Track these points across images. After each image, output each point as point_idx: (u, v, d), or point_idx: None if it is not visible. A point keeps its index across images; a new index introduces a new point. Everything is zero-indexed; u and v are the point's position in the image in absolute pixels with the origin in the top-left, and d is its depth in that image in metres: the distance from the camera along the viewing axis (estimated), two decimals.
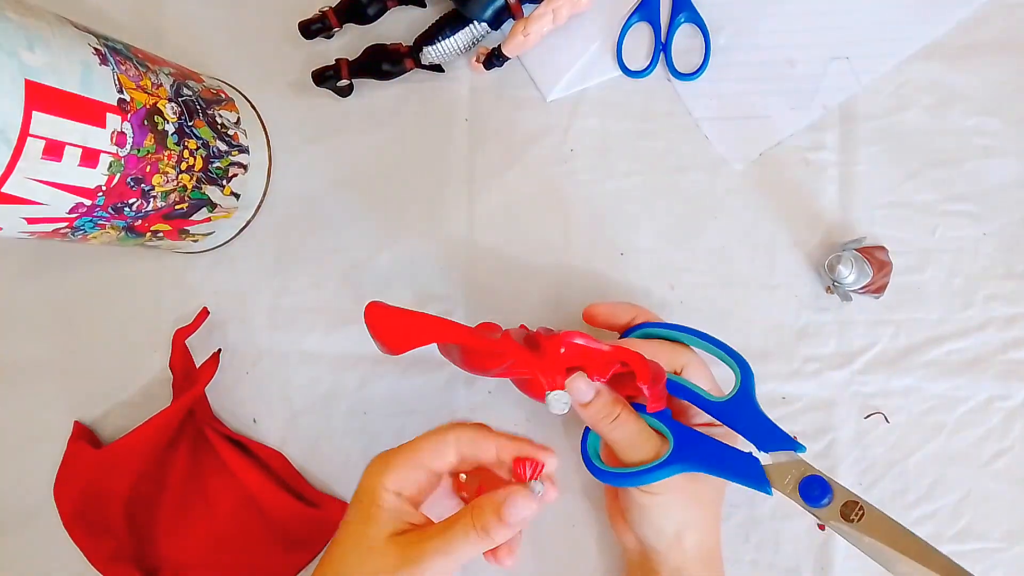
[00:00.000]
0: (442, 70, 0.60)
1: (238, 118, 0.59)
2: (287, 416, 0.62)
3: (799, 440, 0.55)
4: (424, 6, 0.60)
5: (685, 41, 0.58)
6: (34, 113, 0.42)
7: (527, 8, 0.57)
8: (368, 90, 0.62)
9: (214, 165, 0.56)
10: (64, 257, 0.66)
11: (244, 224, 0.63)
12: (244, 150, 0.59)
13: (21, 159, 0.42)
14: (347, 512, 0.44)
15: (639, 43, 0.59)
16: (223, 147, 0.56)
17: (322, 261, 0.62)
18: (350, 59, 0.60)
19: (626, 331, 0.53)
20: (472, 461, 0.45)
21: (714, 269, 0.57)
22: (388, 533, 0.42)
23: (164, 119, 0.51)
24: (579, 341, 0.44)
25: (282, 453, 0.61)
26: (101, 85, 0.46)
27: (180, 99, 0.53)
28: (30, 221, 0.46)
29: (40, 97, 0.42)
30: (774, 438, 0.47)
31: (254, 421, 0.63)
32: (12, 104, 0.41)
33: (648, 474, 0.47)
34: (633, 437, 0.47)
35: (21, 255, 0.67)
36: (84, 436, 0.63)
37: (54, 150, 0.43)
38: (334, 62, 0.60)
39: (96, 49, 0.47)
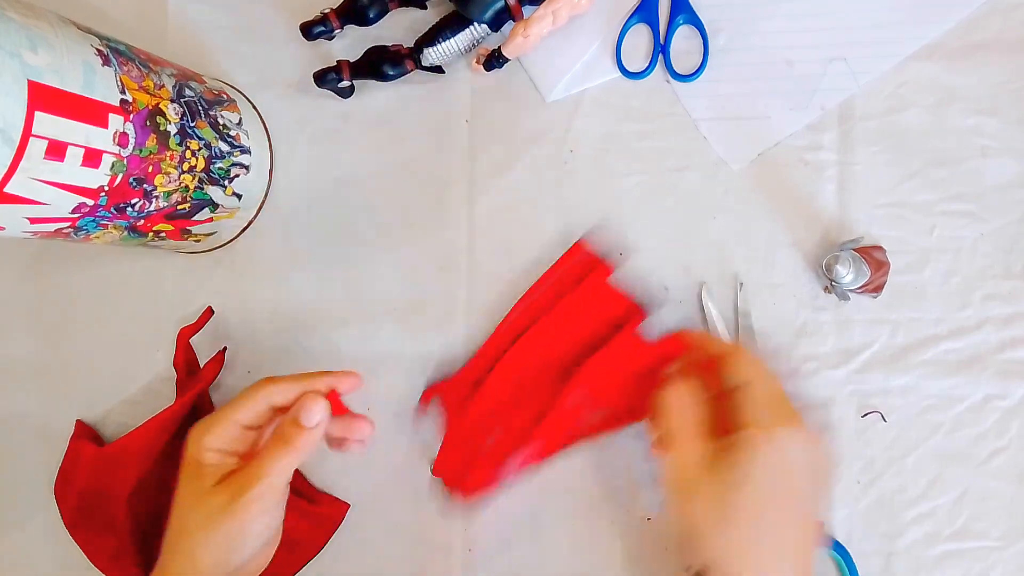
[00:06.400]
0: (443, 71, 0.60)
1: (240, 119, 0.60)
2: None
3: None
4: (425, 8, 0.61)
5: (684, 42, 0.58)
6: (37, 113, 0.42)
7: (527, 10, 0.58)
8: (369, 91, 0.62)
9: (216, 165, 0.56)
10: (67, 257, 0.66)
11: (246, 224, 0.63)
12: (246, 151, 0.59)
13: (24, 159, 0.42)
14: (179, 479, 0.48)
15: (638, 44, 0.59)
16: (225, 148, 0.57)
17: (323, 261, 0.62)
18: (351, 60, 0.60)
19: None
20: (288, 406, 0.48)
21: (713, 269, 0.57)
22: (211, 484, 0.46)
23: (166, 120, 0.51)
24: None
25: None
26: (103, 86, 0.46)
27: (182, 100, 0.53)
28: (33, 221, 0.46)
29: (43, 97, 0.42)
30: None
31: None
32: (15, 104, 0.41)
33: None
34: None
35: (24, 255, 0.67)
36: (86, 435, 0.63)
37: (57, 150, 0.43)
38: (335, 63, 0.60)
39: (98, 50, 0.47)
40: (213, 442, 0.47)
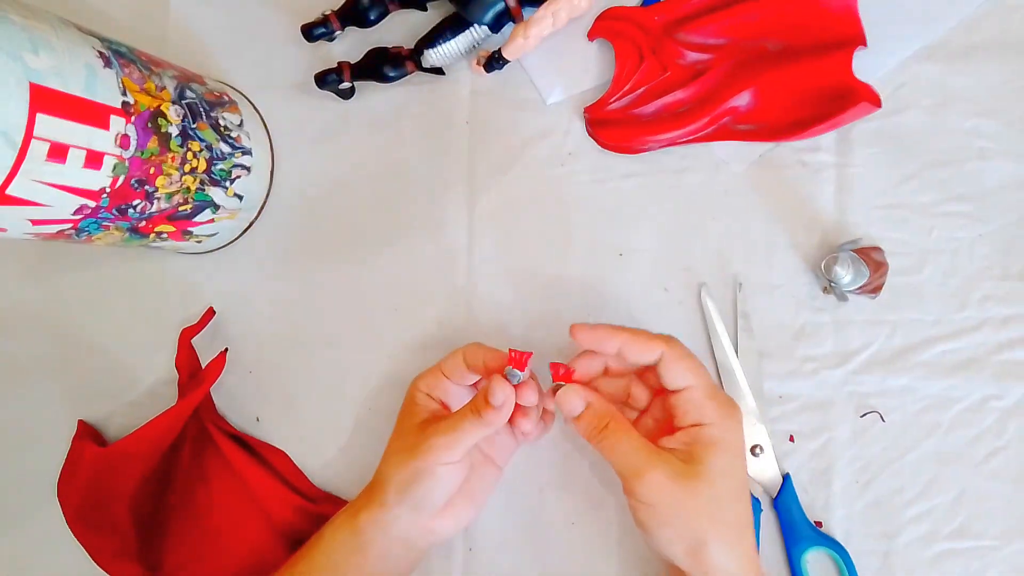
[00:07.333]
0: (443, 73, 0.61)
1: (241, 120, 0.60)
2: (289, 415, 0.63)
3: (795, 439, 0.56)
4: (425, 9, 0.61)
5: None
6: (38, 116, 0.42)
7: (527, 12, 0.58)
8: (369, 92, 0.62)
9: (217, 167, 0.56)
10: (69, 258, 0.66)
11: (247, 225, 0.63)
12: (247, 152, 0.59)
13: (26, 161, 0.42)
14: (399, 414, 0.55)
15: None
16: (226, 149, 0.57)
17: (324, 261, 0.63)
18: (352, 62, 0.60)
19: None
20: (480, 369, 0.53)
21: (712, 270, 0.58)
22: (418, 422, 0.53)
23: (167, 121, 0.51)
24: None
25: (284, 451, 0.62)
26: (105, 88, 0.46)
27: (183, 101, 0.53)
28: (35, 222, 0.46)
29: (44, 100, 0.42)
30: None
31: (257, 420, 0.63)
32: (17, 107, 0.41)
33: None
34: (624, 451, 0.47)
35: (26, 256, 0.67)
36: (89, 435, 0.63)
37: (58, 152, 0.44)
38: (336, 65, 0.60)
39: (100, 52, 0.47)
40: (422, 385, 0.54)
